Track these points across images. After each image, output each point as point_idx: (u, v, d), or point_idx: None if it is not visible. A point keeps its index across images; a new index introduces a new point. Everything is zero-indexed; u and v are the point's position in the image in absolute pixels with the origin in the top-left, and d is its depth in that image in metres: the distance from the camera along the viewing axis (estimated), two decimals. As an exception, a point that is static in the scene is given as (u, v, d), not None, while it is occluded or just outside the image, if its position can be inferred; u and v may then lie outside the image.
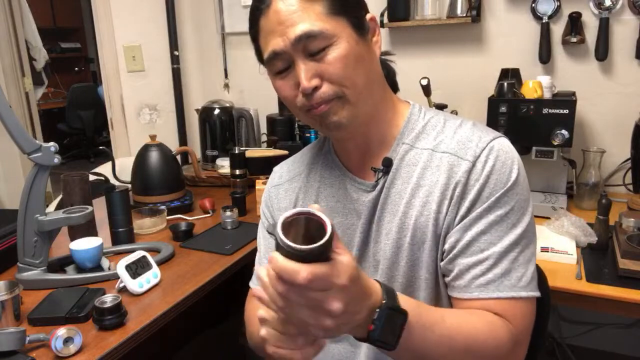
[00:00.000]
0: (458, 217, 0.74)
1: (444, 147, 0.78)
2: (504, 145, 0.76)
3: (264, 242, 0.95)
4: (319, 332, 0.56)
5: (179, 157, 1.98)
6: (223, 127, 2.10)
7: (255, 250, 1.28)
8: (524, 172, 0.76)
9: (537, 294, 0.74)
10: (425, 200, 0.76)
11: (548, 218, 1.41)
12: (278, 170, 0.96)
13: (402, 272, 0.78)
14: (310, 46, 0.71)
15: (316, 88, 0.72)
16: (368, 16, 0.77)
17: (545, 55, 1.70)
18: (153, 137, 1.73)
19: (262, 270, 0.56)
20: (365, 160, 0.83)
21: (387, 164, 0.80)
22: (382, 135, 0.82)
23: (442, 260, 0.76)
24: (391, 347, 0.60)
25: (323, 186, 0.87)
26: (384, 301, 0.59)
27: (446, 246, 0.75)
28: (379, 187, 0.80)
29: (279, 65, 0.74)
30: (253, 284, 0.96)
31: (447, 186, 0.75)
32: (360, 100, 0.75)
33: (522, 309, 0.73)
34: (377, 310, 0.59)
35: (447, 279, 0.76)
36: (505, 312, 0.72)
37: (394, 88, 0.88)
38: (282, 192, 0.92)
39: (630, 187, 1.62)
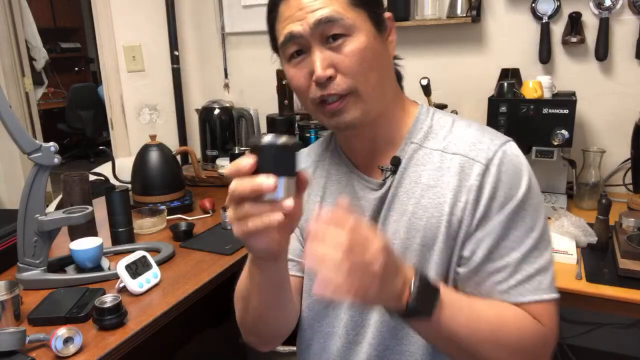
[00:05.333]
0: (475, 221, 0.74)
1: (454, 148, 0.77)
2: (514, 150, 0.75)
3: None
4: (363, 293, 0.56)
5: (179, 157, 1.98)
6: (223, 127, 2.10)
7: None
8: (534, 177, 0.76)
9: (558, 295, 0.75)
10: (437, 201, 0.75)
11: (548, 218, 1.41)
12: None
13: None
14: (329, 31, 0.70)
15: (330, 78, 0.71)
16: (386, 14, 0.76)
17: (545, 55, 1.69)
18: (153, 137, 1.73)
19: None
20: (372, 158, 0.82)
21: (396, 162, 0.79)
22: (390, 134, 0.81)
23: (458, 265, 0.76)
24: (428, 316, 0.63)
25: (330, 182, 0.86)
26: (418, 274, 0.64)
27: (465, 253, 0.75)
28: (386, 185, 0.79)
29: (293, 48, 0.73)
30: None
31: (459, 188, 0.74)
32: (373, 98, 0.75)
33: (546, 310, 0.74)
34: (412, 280, 0.63)
35: (468, 286, 0.76)
36: (531, 314, 0.73)
37: None
38: None
39: (630, 187, 1.62)
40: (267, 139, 0.57)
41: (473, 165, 0.74)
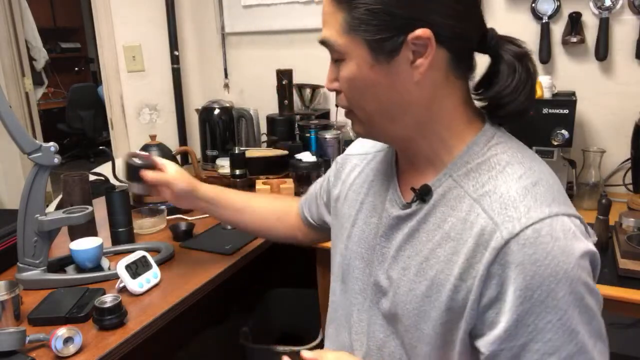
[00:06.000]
0: (483, 303, 0.63)
1: (486, 202, 0.64)
2: (555, 231, 0.60)
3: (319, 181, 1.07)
4: None
5: (179, 157, 1.98)
6: (223, 127, 2.10)
7: (254, 251, 1.30)
8: (575, 260, 0.59)
9: None
10: (450, 257, 0.66)
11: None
12: (358, 142, 0.94)
13: (407, 316, 0.72)
14: (330, 53, 0.71)
15: (337, 91, 0.73)
16: (413, 35, 0.63)
17: (545, 55, 1.69)
18: (153, 137, 1.73)
19: None
20: (411, 173, 0.76)
21: (425, 192, 0.71)
22: (431, 154, 0.72)
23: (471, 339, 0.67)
24: None
25: (376, 180, 0.83)
26: None
27: (483, 349, 0.64)
28: (409, 210, 0.73)
29: None
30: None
31: (474, 255, 0.63)
32: (374, 123, 0.72)
33: None
34: None
35: None
36: None
37: (528, 94, 0.70)
38: (347, 163, 0.92)
39: (630, 187, 1.62)
40: (134, 161, 1.09)
41: (494, 232, 0.61)
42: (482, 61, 0.73)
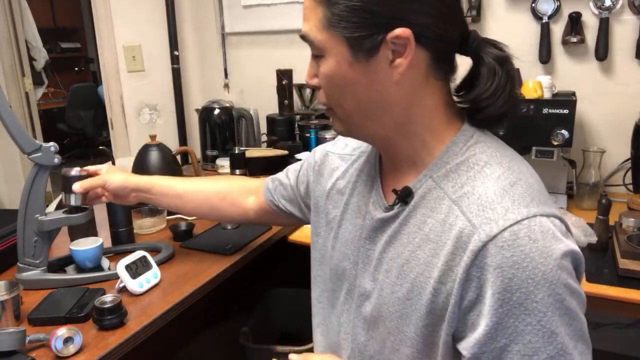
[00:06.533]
0: (464, 306, 0.62)
1: (464, 203, 0.64)
2: (534, 233, 0.59)
3: (290, 167, 1.07)
4: None
5: (179, 157, 1.98)
6: (223, 127, 2.10)
7: (254, 251, 1.29)
8: (554, 261, 0.58)
9: None
10: (430, 260, 0.66)
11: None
12: (341, 141, 0.92)
13: (390, 318, 0.71)
14: (310, 48, 0.70)
15: (318, 87, 0.72)
16: (393, 34, 0.62)
17: (545, 55, 1.70)
18: (153, 137, 1.73)
19: None
20: (393, 175, 0.75)
21: (406, 194, 0.70)
22: (412, 154, 0.71)
23: (453, 341, 0.66)
24: None
25: (359, 182, 0.82)
26: None
27: (464, 352, 0.63)
28: (391, 212, 0.72)
29: None
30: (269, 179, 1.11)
31: (453, 258, 0.63)
32: (352, 121, 0.71)
33: None
34: None
35: None
36: None
37: (512, 100, 0.69)
38: (328, 160, 0.90)
39: (630, 187, 1.62)
40: (68, 172, 1.13)
41: (472, 235, 0.61)
42: (466, 64, 0.73)
